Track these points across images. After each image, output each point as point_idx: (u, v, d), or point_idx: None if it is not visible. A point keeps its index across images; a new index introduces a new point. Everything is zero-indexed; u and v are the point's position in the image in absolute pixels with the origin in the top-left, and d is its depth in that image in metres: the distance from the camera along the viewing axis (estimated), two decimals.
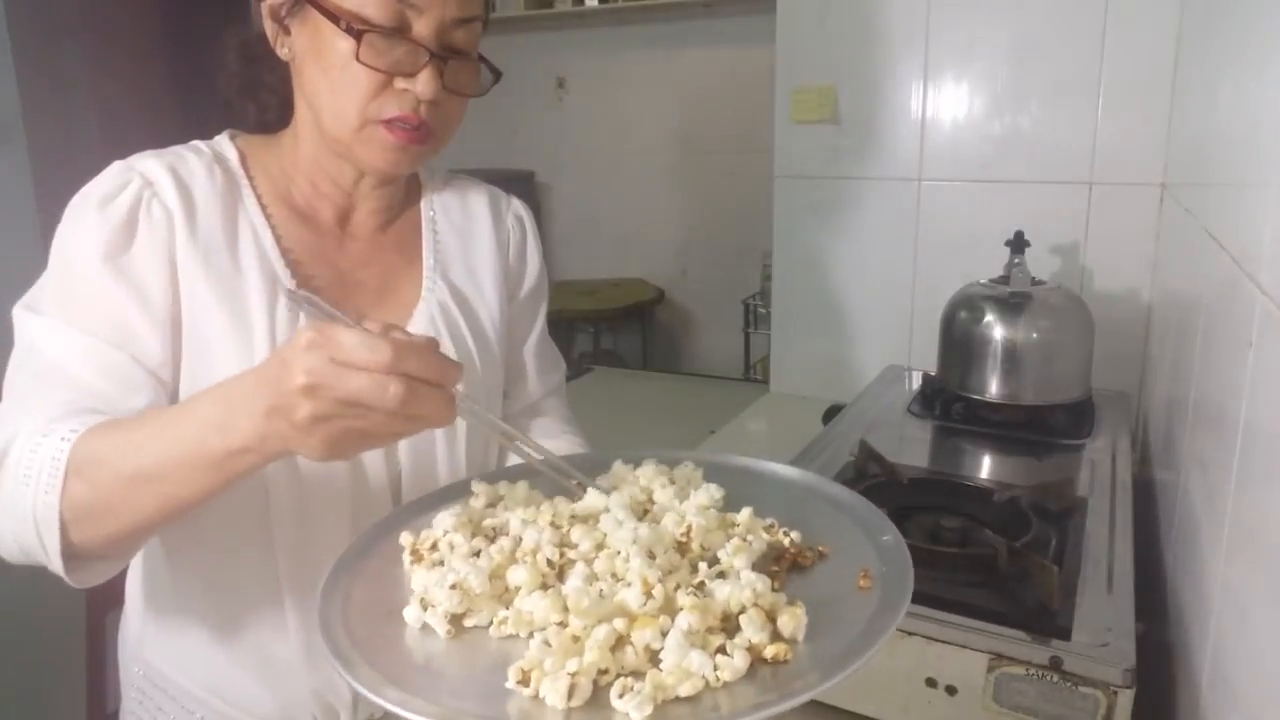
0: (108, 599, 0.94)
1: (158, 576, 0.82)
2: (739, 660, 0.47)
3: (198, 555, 0.80)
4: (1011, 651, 0.72)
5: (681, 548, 0.59)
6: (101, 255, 0.70)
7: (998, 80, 1.53)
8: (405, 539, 0.61)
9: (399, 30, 0.71)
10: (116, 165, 0.74)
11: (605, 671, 0.47)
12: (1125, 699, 0.68)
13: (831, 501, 0.67)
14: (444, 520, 0.62)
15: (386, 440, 0.57)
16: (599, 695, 0.47)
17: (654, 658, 0.48)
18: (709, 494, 0.64)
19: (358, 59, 0.70)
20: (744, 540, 0.59)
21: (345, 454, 0.56)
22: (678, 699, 0.46)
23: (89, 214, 0.71)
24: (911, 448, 1.20)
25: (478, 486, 0.67)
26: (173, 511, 0.61)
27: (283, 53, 0.77)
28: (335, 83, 0.73)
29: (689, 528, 0.59)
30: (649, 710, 0.44)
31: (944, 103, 1.57)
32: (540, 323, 0.98)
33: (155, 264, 0.72)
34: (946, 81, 1.57)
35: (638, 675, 0.47)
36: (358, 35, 0.70)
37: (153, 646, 0.84)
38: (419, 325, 0.83)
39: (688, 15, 2.95)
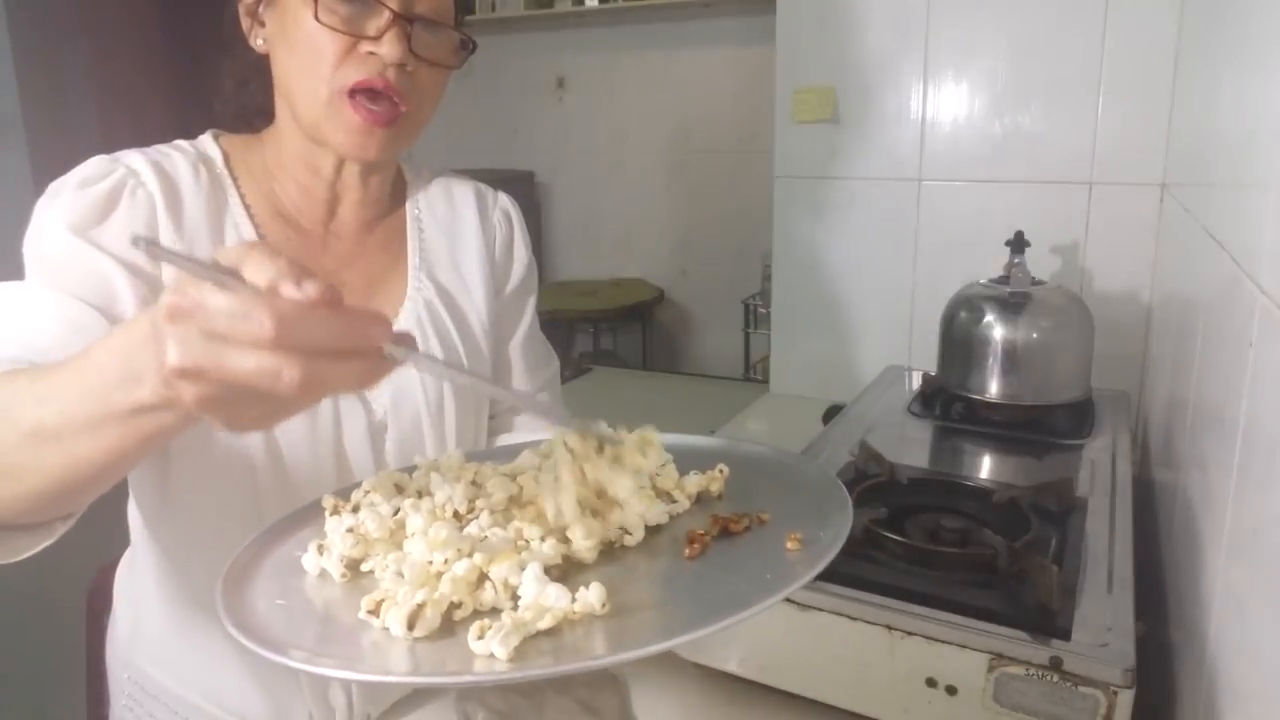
0: (107, 601, 0.93)
1: (147, 581, 0.82)
2: (594, 594, 0.46)
3: (189, 560, 0.80)
4: (1011, 651, 0.72)
5: (600, 493, 0.57)
6: (70, 226, 0.69)
7: (998, 80, 1.53)
8: (327, 500, 0.60)
9: None
10: (99, 157, 0.74)
11: (459, 605, 0.47)
12: (1125, 699, 0.68)
13: (792, 474, 0.65)
14: (367, 482, 0.61)
15: (302, 408, 0.46)
16: (454, 630, 0.46)
17: (513, 594, 0.48)
18: (649, 450, 0.62)
19: (316, 18, 0.70)
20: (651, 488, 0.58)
21: (255, 428, 0.47)
22: (538, 634, 0.45)
23: (65, 194, 0.71)
24: (911, 448, 1.19)
25: (419, 460, 0.66)
26: (84, 474, 0.53)
27: (258, 45, 0.78)
28: (303, 56, 0.73)
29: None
30: (515, 643, 0.43)
31: (944, 103, 1.57)
32: (528, 318, 0.97)
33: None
34: (946, 81, 1.57)
35: (496, 613, 0.46)
36: None
37: (143, 651, 0.84)
38: (405, 324, 0.83)
39: (688, 15, 2.95)
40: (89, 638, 1.16)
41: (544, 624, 0.45)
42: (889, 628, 0.76)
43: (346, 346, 0.42)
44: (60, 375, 0.51)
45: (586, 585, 0.47)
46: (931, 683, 0.75)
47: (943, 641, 0.74)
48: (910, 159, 1.62)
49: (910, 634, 0.75)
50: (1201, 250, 0.92)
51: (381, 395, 0.81)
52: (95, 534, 0.65)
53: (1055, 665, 0.70)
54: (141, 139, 0.79)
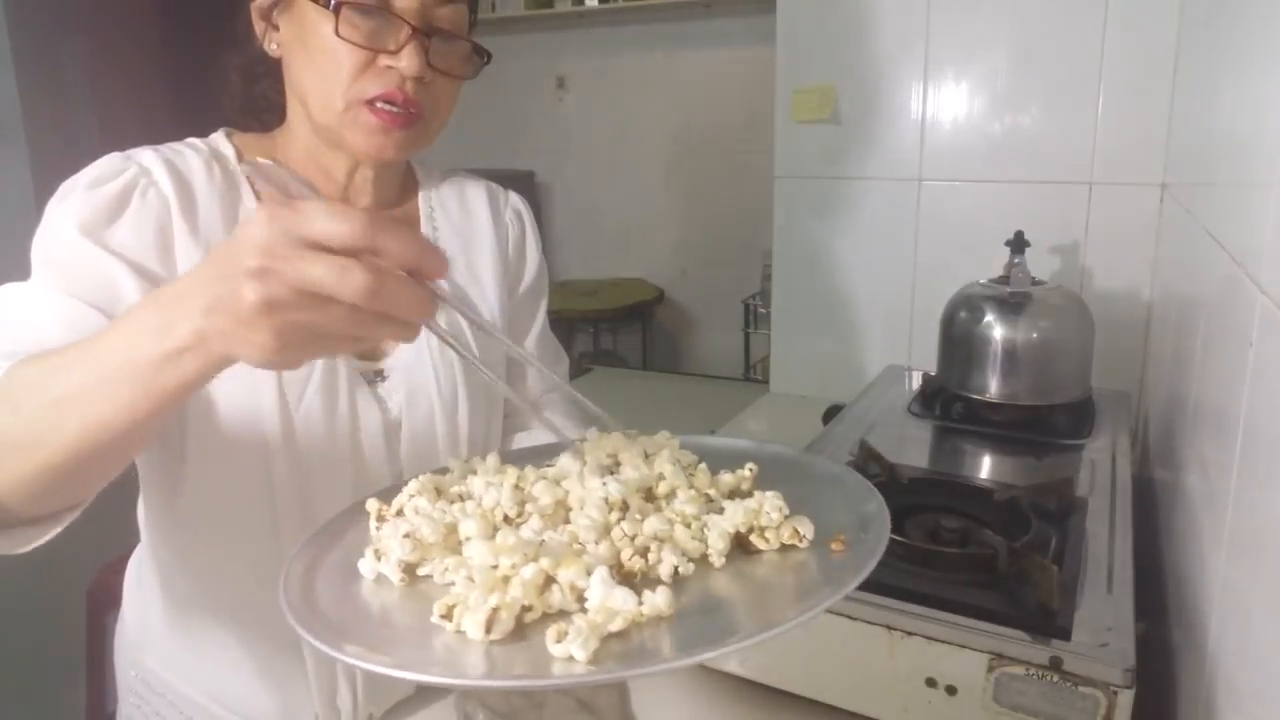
0: (108, 599, 0.94)
1: (158, 579, 0.82)
2: (660, 597, 0.47)
3: (203, 557, 0.80)
4: (1011, 651, 0.72)
5: (649, 495, 0.59)
6: (79, 227, 0.69)
7: (998, 80, 1.53)
8: (371, 505, 0.60)
9: (380, 6, 0.71)
10: (112, 155, 0.74)
11: (530, 608, 0.48)
12: (1125, 699, 0.68)
13: (821, 475, 0.66)
14: (411, 486, 0.62)
15: (344, 344, 0.49)
16: (526, 633, 0.47)
17: (580, 597, 0.49)
18: (680, 455, 0.64)
19: (337, 33, 0.70)
20: (697, 491, 0.59)
21: (294, 356, 0.47)
22: (610, 635, 0.46)
23: (76, 193, 0.70)
24: (911, 448, 1.19)
25: (453, 463, 0.67)
26: (96, 443, 0.53)
27: (271, 49, 0.78)
28: (320, 67, 0.73)
29: (659, 476, 0.60)
30: (595, 646, 0.44)
31: (944, 103, 1.57)
32: (540, 317, 0.98)
33: (147, 241, 0.71)
34: (946, 81, 1.57)
35: (564, 615, 0.47)
36: (336, 9, 0.70)
37: (151, 650, 0.84)
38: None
39: (688, 15, 2.95)
40: (90, 636, 1.16)
41: (614, 626, 0.46)
42: (889, 628, 0.76)
43: (414, 261, 0.46)
44: (89, 340, 0.52)
45: (652, 589, 0.48)
46: (931, 683, 0.75)
47: (943, 641, 0.74)
48: (910, 159, 1.62)
49: (910, 634, 0.75)
50: (1201, 250, 0.92)
51: (396, 393, 0.82)
52: (97, 532, 0.65)
53: (1055, 665, 0.70)
54: (141, 138, 0.79)
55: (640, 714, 0.63)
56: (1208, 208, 0.94)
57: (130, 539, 0.86)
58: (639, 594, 0.48)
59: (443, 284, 0.48)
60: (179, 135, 0.81)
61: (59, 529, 0.61)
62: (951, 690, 0.74)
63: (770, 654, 0.83)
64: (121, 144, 0.77)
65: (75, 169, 0.73)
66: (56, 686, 1.42)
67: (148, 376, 0.49)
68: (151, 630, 0.84)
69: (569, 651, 0.44)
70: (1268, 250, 0.60)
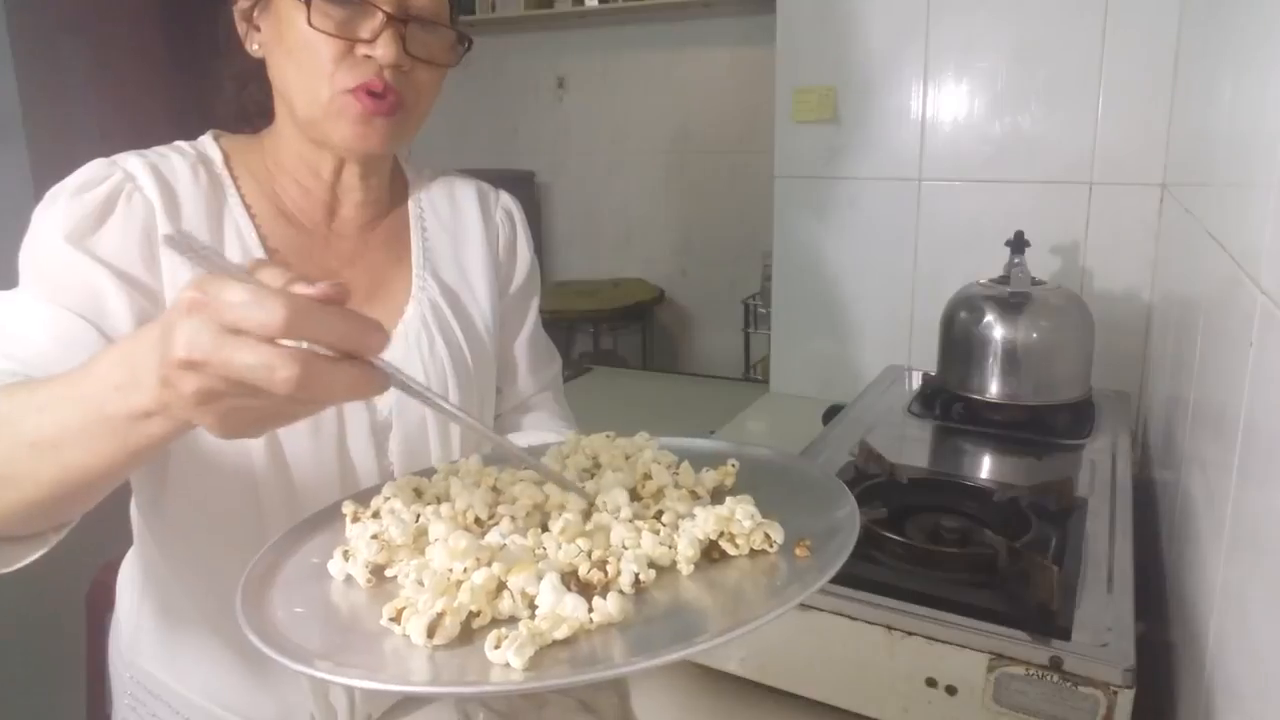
0: (108, 601, 0.94)
1: (150, 580, 0.82)
2: (612, 605, 0.47)
3: (191, 557, 0.80)
4: (1011, 651, 0.72)
5: (635, 495, 0.59)
6: (65, 234, 0.69)
7: (998, 80, 1.53)
8: (347, 507, 0.60)
9: None
10: (98, 160, 0.74)
11: (478, 614, 0.47)
12: (1125, 699, 0.68)
13: (798, 478, 0.66)
14: (386, 488, 0.62)
15: (296, 418, 0.48)
16: (473, 639, 0.46)
17: (531, 603, 0.48)
18: (660, 455, 0.64)
19: (310, 24, 0.70)
20: (677, 486, 0.59)
21: (248, 434, 0.47)
22: (555, 643, 0.45)
23: (61, 200, 0.70)
24: (911, 448, 1.19)
25: (440, 466, 0.67)
26: (76, 484, 0.53)
27: (253, 50, 0.78)
28: (300, 62, 0.73)
29: (646, 474, 0.60)
30: (530, 653, 0.43)
31: (944, 103, 1.57)
32: (532, 317, 0.98)
33: (132, 248, 0.71)
34: (946, 81, 1.57)
35: (514, 621, 0.47)
36: (308, 1, 0.70)
37: (145, 651, 0.84)
38: (410, 324, 0.83)
39: (688, 15, 2.95)
40: (89, 637, 1.16)
41: (560, 634, 0.45)
42: (889, 628, 0.76)
43: (346, 346, 0.43)
44: (60, 384, 0.52)
45: (604, 595, 0.48)
46: (931, 683, 0.75)
47: (943, 641, 0.74)
48: (910, 159, 1.62)
49: (910, 634, 0.75)
50: (1201, 250, 0.92)
51: (386, 394, 0.81)
52: (95, 534, 0.65)
53: (1055, 665, 0.70)
54: (141, 139, 0.79)
55: (640, 714, 0.63)
56: (1208, 208, 0.94)
57: (128, 540, 0.86)
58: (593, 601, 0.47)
59: (383, 357, 0.46)
60: (179, 136, 0.81)
61: (45, 549, 0.61)
62: (951, 690, 0.74)
63: (770, 654, 0.83)
64: (121, 144, 0.77)
65: (75, 169, 0.73)
66: (56, 688, 1.42)
67: (122, 432, 0.49)
68: (145, 631, 0.84)
69: (505, 659, 0.43)
70: (1268, 250, 0.60)
